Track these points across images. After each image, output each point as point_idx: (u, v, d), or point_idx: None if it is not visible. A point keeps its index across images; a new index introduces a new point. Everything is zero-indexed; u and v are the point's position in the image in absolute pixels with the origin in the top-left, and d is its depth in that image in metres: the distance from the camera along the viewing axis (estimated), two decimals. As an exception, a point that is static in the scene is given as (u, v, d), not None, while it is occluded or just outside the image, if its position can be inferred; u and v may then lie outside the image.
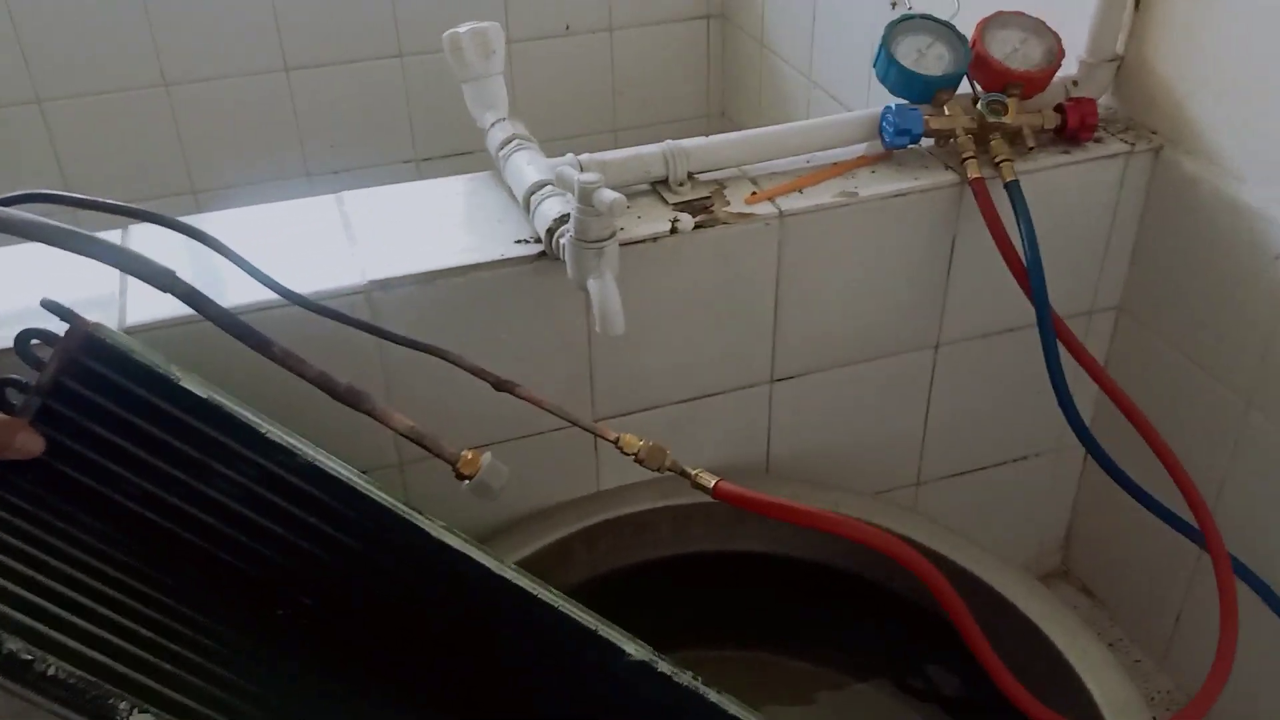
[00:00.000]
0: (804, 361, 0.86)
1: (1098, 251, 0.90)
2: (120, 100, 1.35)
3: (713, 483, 0.58)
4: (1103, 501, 1.03)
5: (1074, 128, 0.85)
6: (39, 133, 1.33)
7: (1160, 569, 0.97)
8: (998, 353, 0.92)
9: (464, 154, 1.49)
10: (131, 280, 0.71)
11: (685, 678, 0.70)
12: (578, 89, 1.53)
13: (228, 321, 0.50)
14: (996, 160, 0.81)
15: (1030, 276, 0.79)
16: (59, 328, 0.59)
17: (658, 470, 0.58)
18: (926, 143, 0.84)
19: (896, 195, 0.81)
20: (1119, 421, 0.81)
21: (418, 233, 0.76)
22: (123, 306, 0.68)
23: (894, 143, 0.82)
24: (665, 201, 0.78)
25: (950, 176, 0.82)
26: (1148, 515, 0.95)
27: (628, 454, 0.58)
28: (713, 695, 0.71)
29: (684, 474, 0.58)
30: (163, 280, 0.48)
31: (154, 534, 0.61)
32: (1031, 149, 0.83)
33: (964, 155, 0.81)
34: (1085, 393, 0.88)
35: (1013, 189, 0.80)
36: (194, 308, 0.49)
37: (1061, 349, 0.80)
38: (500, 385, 0.58)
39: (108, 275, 0.71)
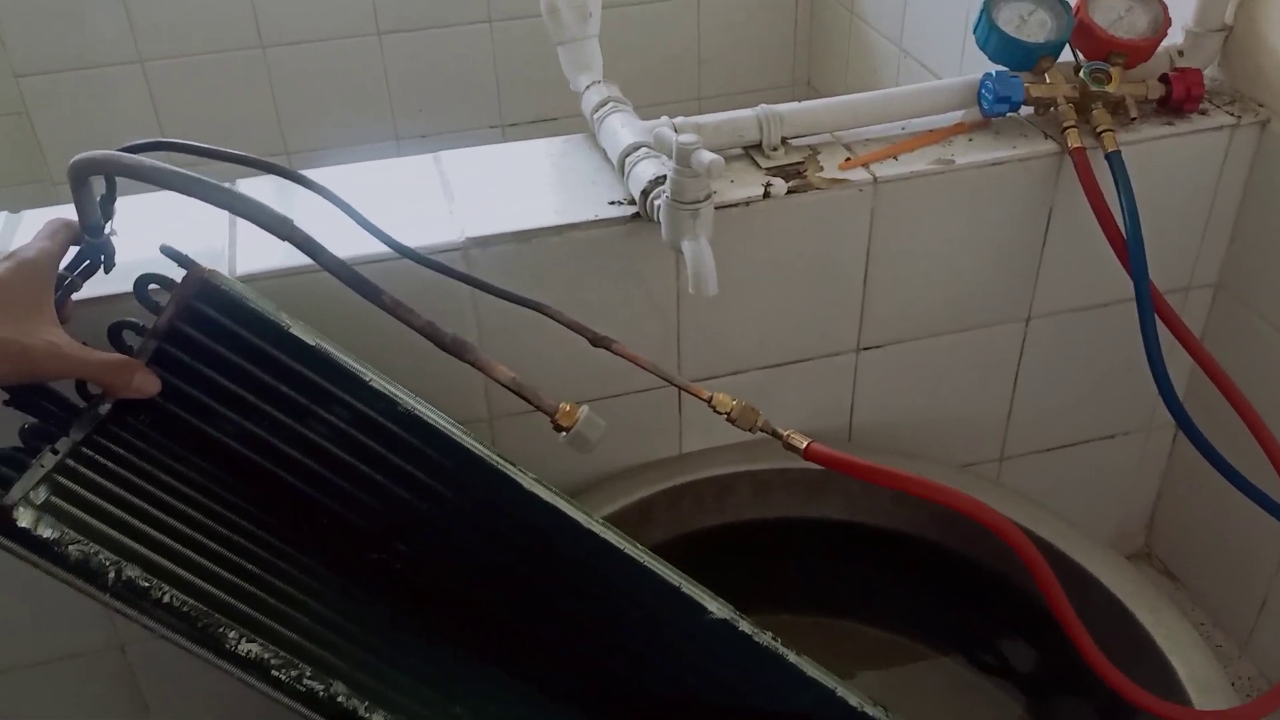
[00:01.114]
0: (892, 331, 0.86)
1: (1197, 226, 0.88)
2: (218, 61, 1.38)
3: (805, 444, 0.58)
4: (1190, 484, 1.01)
5: (1179, 99, 0.83)
6: (140, 92, 1.37)
7: (1246, 553, 0.95)
8: (1090, 328, 0.91)
9: (549, 120, 1.50)
10: (239, 233, 0.73)
11: (765, 638, 0.71)
12: (664, 57, 1.53)
13: (341, 269, 0.51)
14: (1098, 130, 0.79)
15: (1130, 250, 0.77)
16: (176, 275, 0.61)
17: (749, 430, 0.59)
18: (1025, 111, 0.83)
19: (994, 164, 0.80)
20: (1211, 400, 0.79)
21: (513, 192, 0.77)
22: (231, 258, 0.71)
23: (993, 110, 0.81)
24: (758, 166, 0.78)
25: (1050, 146, 0.81)
26: (1235, 498, 0.93)
27: (720, 413, 0.59)
28: (791, 656, 0.72)
29: (775, 434, 0.59)
30: (281, 228, 0.50)
31: (259, 476, 0.64)
32: (1134, 119, 0.82)
33: (1064, 124, 0.79)
34: (1178, 371, 0.87)
35: (1114, 160, 0.79)
36: (309, 255, 0.51)
37: (1158, 325, 0.79)
38: (597, 341, 0.59)
39: (217, 227, 0.73)
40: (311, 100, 1.44)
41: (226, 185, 0.49)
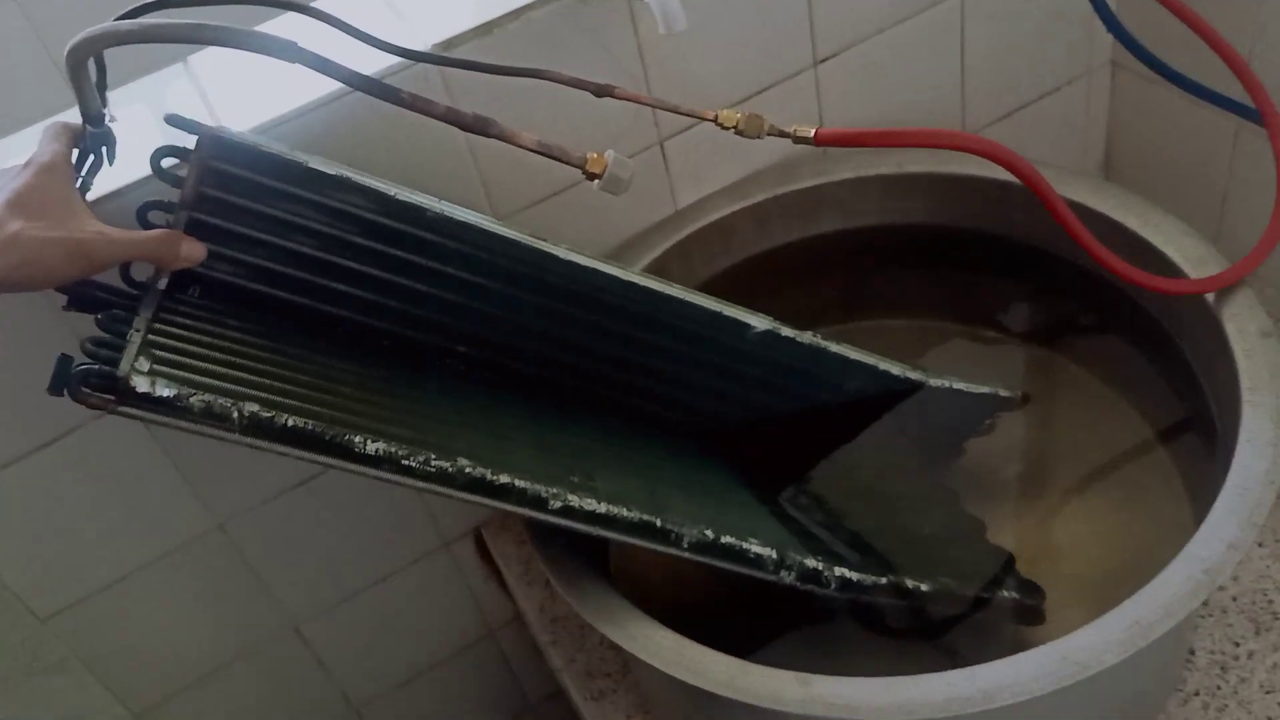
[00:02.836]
0: (840, 38, 0.89)
1: None
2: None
3: (812, 131, 0.63)
4: (1134, 112, 1.07)
5: None
6: None
7: (1200, 160, 1.01)
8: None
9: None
10: (214, 103, 0.74)
11: (807, 336, 0.77)
12: None
13: (356, 79, 0.53)
14: None
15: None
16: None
17: (757, 137, 0.63)
18: None
19: None
20: (1144, 18, 0.84)
21: (457, -5, 0.78)
22: (217, 121, 0.72)
23: None
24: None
25: None
26: (1179, 113, 0.99)
27: (727, 127, 0.63)
28: (833, 347, 0.78)
29: (783, 133, 0.63)
30: (288, 51, 0.51)
31: (315, 318, 0.67)
32: None
33: None
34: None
35: None
36: (323, 72, 0.53)
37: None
38: (601, 91, 0.62)
39: (196, 104, 0.74)
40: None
41: (226, 26, 0.51)
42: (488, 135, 0.55)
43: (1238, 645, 0.77)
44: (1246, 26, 0.89)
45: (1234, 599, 0.80)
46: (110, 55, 0.62)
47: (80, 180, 0.64)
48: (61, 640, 0.83)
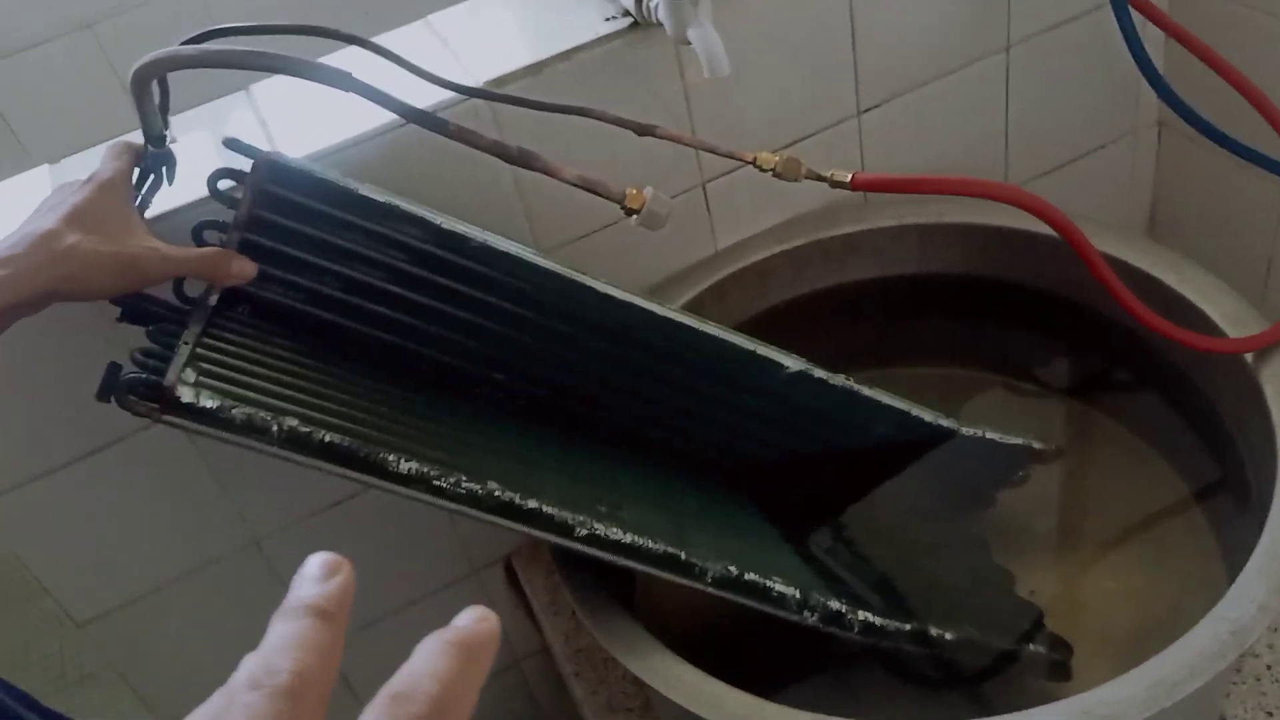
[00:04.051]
0: (885, 88, 0.90)
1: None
2: None
3: (849, 176, 0.64)
4: (1181, 173, 1.07)
5: None
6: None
7: (1246, 222, 1.01)
8: (1068, 42, 0.95)
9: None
10: (273, 131, 0.77)
11: (839, 379, 0.78)
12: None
13: (407, 110, 0.55)
14: None
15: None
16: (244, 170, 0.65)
17: (795, 179, 0.64)
18: None
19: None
20: (1189, 81, 0.84)
21: (510, 33, 0.80)
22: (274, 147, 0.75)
23: None
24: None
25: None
26: (1227, 174, 0.99)
27: (765, 169, 0.64)
28: (866, 390, 0.79)
29: (820, 177, 0.64)
30: (342, 81, 0.54)
31: (359, 341, 0.69)
32: None
33: None
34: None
35: None
36: (375, 101, 0.55)
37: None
38: (643, 130, 0.64)
39: (250, 132, 0.77)
40: None
41: (284, 54, 0.53)
42: (531, 168, 0.57)
43: (1270, 716, 0.76)
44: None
45: (1268, 667, 0.78)
46: (176, 81, 0.65)
47: (140, 198, 0.67)
48: (96, 649, 0.85)
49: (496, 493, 0.61)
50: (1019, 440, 0.83)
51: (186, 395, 0.56)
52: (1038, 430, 0.84)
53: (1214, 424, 0.78)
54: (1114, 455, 0.86)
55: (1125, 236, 0.81)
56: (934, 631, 0.73)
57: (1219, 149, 0.88)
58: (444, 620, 0.34)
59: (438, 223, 0.67)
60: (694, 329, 0.74)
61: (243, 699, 0.25)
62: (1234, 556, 0.68)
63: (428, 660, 0.27)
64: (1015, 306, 0.92)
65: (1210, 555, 0.76)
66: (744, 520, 0.76)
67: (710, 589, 0.66)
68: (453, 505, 0.61)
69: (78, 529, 0.80)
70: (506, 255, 0.69)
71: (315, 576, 0.28)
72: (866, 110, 0.91)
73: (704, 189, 0.89)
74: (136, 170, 0.66)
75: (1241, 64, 0.84)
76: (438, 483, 0.60)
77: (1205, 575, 0.75)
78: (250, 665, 0.26)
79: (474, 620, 0.28)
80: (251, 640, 0.26)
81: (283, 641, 0.26)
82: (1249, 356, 0.73)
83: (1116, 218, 1.11)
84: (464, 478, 0.61)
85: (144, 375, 0.56)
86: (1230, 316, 0.75)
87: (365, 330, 0.70)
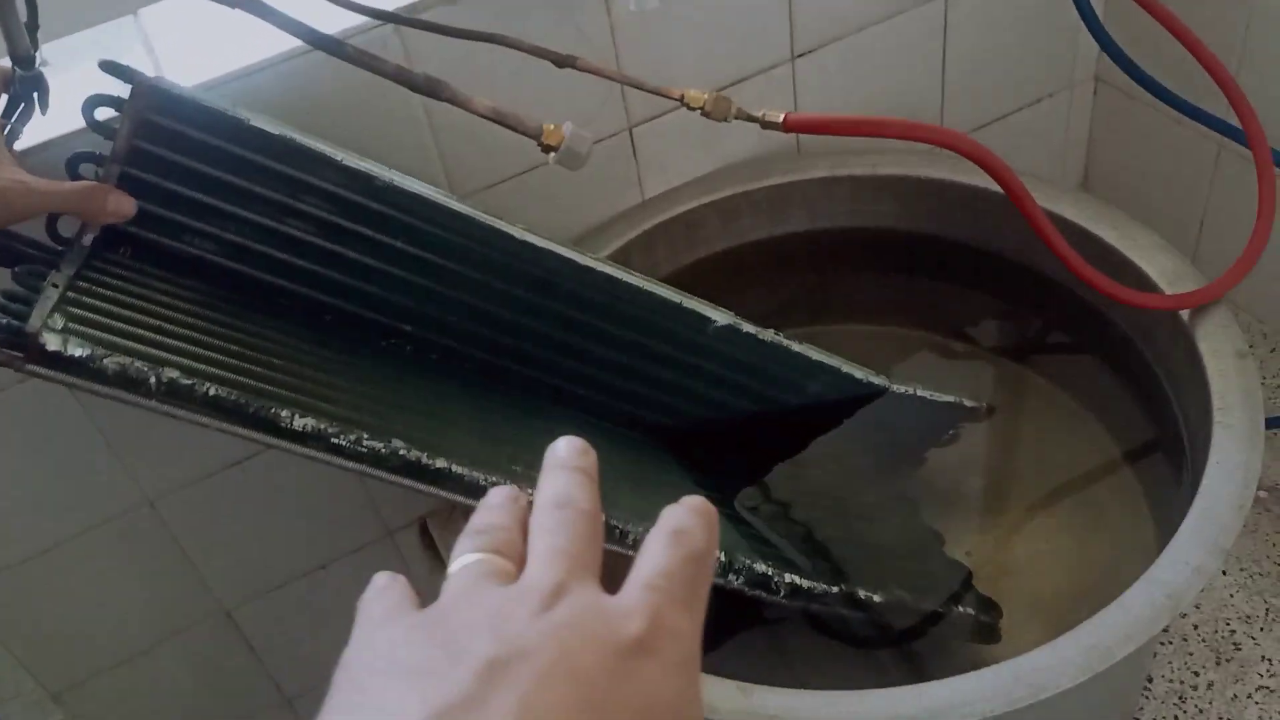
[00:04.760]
0: (820, 32, 0.87)
1: None
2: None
3: (781, 116, 0.60)
4: (1115, 129, 1.05)
5: None
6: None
7: (1180, 178, 1.00)
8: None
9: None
10: (161, 55, 0.71)
11: (769, 334, 0.75)
12: None
13: (296, 27, 0.50)
14: None
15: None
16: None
17: (724, 119, 0.60)
18: None
19: None
20: (1131, 34, 0.82)
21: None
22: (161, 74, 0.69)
23: None
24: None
25: None
26: (1161, 130, 0.98)
27: (694, 108, 0.60)
28: (796, 346, 0.76)
29: (750, 117, 0.60)
30: (226, -5, 0.48)
31: (252, 286, 0.64)
32: None
33: None
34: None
35: None
36: (264, 18, 0.50)
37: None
38: (562, 61, 0.59)
39: (141, 56, 0.71)
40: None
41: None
42: (438, 98, 0.52)
43: (1197, 675, 0.75)
44: (1235, 45, 0.88)
45: (1195, 627, 0.78)
46: (57, 5, 0.60)
47: (8, 127, 0.61)
48: (-26, 615, 0.79)
49: (401, 451, 0.57)
50: (950, 398, 0.81)
51: (53, 343, 0.51)
52: (971, 390, 0.82)
53: (1149, 384, 0.76)
54: (1048, 416, 0.84)
55: (1063, 190, 0.79)
56: (862, 594, 0.70)
57: (1155, 105, 0.86)
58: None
59: (339, 159, 0.62)
60: (618, 279, 0.70)
61: (554, 515, 0.30)
62: (1167, 519, 0.67)
63: (686, 516, 0.31)
64: (950, 262, 0.90)
65: (1143, 517, 0.74)
66: (670, 481, 0.73)
67: (632, 553, 0.63)
68: (354, 465, 0.56)
69: (-51, 489, 0.74)
70: (416, 196, 0.64)
71: (574, 450, 0.32)
72: (801, 55, 0.87)
73: (630, 134, 0.85)
74: (4, 97, 0.60)
75: (1182, 14, 0.82)
76: (336, 440, 0.56)
77: (1138, 538, 0.73)
78: (549, 492, 0.31)
79: (703, 501, 0.32)
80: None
81: (569, 480, 0.31)
82: (1185, 314, 0.71)
83: (1051, 174, 1.10)
84: (365, 435, 0.56)
85: (4, 320, 0.50)
86: (1168, 274, 0.73)
87: (258, 275, 0.64)
